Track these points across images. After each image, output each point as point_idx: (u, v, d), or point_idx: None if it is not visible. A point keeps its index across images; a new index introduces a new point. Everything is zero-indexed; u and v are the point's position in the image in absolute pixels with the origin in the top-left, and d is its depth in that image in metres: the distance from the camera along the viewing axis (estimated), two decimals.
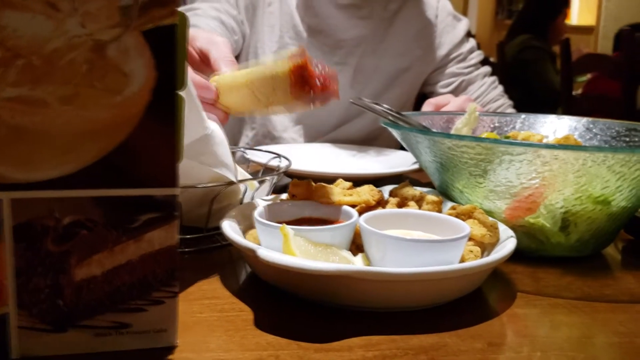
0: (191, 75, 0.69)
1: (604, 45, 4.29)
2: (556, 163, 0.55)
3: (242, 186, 0.66)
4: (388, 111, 0.67)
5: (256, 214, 0.54)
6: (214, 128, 0.58)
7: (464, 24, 1.31)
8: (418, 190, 0.63)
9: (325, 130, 1.26)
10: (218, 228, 0.63)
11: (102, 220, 0.40)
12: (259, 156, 0.83)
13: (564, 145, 0.62)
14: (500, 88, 1.33)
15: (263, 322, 0.47)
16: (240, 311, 0.49)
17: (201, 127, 0.56)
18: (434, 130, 0.77)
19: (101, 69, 0.39)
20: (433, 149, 0.63)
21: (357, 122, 1.28)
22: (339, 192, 0.58)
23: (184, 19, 0.41)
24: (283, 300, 0.51)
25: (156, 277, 0.42)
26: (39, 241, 0.39)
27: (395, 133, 0.68)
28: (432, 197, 0.60)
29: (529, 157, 0.56)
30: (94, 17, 0.38)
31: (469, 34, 1.32)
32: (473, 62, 1.29)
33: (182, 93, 0.41)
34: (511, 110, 1.32)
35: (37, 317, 0.40)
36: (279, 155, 0.77)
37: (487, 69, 1.33)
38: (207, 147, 0.57)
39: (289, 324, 0.47)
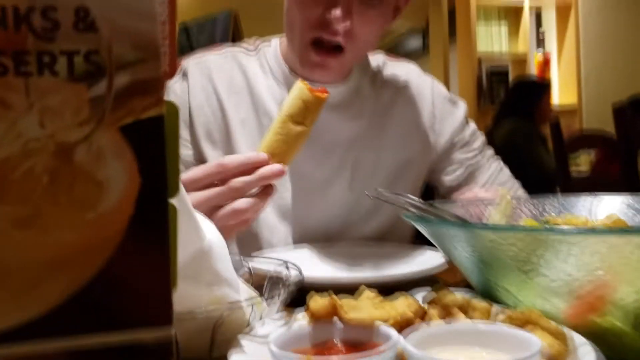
0: (235, 158, 0.76)
1: (590, 123, 4.33)
2: (627, 248, 0.46)
3: (247, 307, 0.56)
4: (413, 202, 0.59)
5: (272, 343, 0.44)
6: (212, 237, 0.48)
7: (462, 108, 1.25)
8: (459, 294, 0.53)
9: (325, 237, 1.15)
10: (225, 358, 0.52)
11: None
12: (260, 263, 0.73)
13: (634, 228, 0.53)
14: (506, 170, 1.26)
15: None
16: None
17: (197, 237, 0.47)
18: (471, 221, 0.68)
19: (67, 178, 0.30)
20: (472, 242, 0.54)
21: (361, 226, 1.18)
22: (368, 305, 0.48)
23: (173, 108, 0.32)
24: None
25: None
26: None
27: (421, 228, 0.59)
28: (479, 303, 0.50)
29: (591, 244, 0.47)
30: (56, 113, 0.29)
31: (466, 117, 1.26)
32: (476, 145, 1.22)
33: (174, 201, 0.32)
34: (522, 192, 1.25)
35: None
36: (285, 262, 0.67)
37: (490, 151, 1.26)
38: (205, 262, 0.47)
39: None
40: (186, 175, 0.76)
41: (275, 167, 0.76)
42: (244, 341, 0.50)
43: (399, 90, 1.20)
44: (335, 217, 1.16)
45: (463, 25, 4.34)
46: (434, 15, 4.34)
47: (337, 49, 1.02)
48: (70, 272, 0.30)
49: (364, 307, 0.48)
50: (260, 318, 0.57)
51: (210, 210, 0.75)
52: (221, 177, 0.75)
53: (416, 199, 0.60)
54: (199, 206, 0.73)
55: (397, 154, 1.18)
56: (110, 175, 0.30)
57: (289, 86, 1.11)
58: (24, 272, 0.29)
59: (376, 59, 1.22)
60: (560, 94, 4.53)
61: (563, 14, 4.50)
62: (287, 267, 0.67)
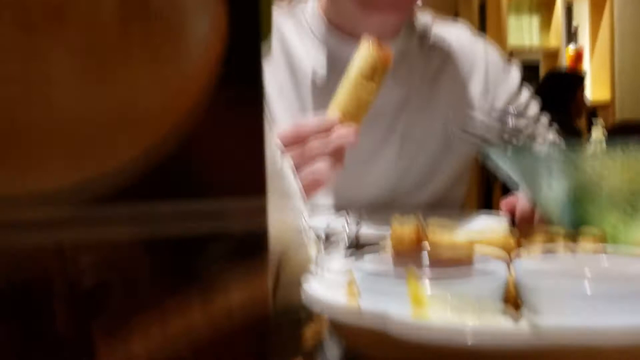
0: (310, 121, 0.77)
1: (623, 118, 4.21)
2: None
3: (313, 248, 0.50)
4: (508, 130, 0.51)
5: (357, 267, 0.38)
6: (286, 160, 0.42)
7: (516, 73, 1.17)
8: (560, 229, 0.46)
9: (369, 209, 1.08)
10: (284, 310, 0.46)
11: (146, 275, 0.24)
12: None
13: None
14: (562, 143, 1.18)
15: None
16: None
17: (274, 154, 0.40)
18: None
19: (141, 24, 0.24)
20: (574, 174, 0.47)
21: (408, 199, 1.11)
22: (463, 234, 0.41)
23: None
24: None
25: None
26: (38, 319, 0.23)
27: (508, 162, 0.52)
28: (591, 231, 0.42)
29: None
30: None
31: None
32: (532, 113, 1.14)
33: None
34: None
35: None
36: (345, 210, 0.61)
37: (546, 119, 1.17)
38: (278, 182, 0.41)
39: None
40: None
41: (349, 128, 0.75)
42: (314, 277, 0.44)
43: (450, 54, 1.13)
44: (380, 191, 1.09)
45: (494, 18, 4.25)
46: (463, 8, 4.26)
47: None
48: (140, 135, 0.24)
49: (459, 244, 0.41)
50: (328, 255, 0.51)
51: None
52: (296, 141, 0.73)
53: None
54: None
55: (449, 122, 1.11)
56: (193, 24, 0.24)
57: (329, 45, 1.05)
58: (87, 129, 0.23)
59: (423, 19, 1.15)
60: (593, 89, 4.41)
61: (597, 7, 4.38)
62: (346, 219, 0.61)
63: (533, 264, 0.38)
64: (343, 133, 0.75)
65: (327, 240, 0.63)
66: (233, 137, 0.24)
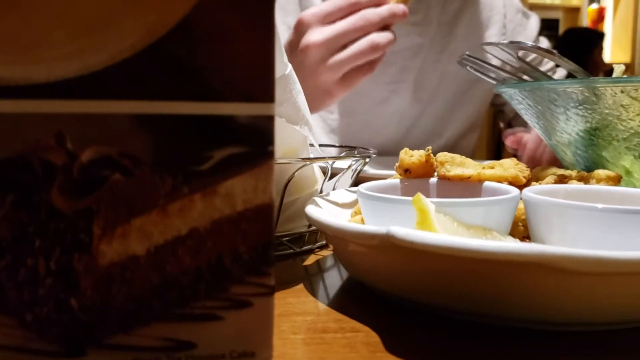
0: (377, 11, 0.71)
1: None
2: None
3: (318, 170, 0.49)
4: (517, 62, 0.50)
5: (362, 189, 0.37)
6: (290, 68, 0.41)
7: (535, 20, 1.14)
8: (572, 171, 0.45)
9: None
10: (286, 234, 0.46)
11: (148, 157, 0.23)
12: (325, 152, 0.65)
13: None
14: None
15: (397, 346, 0.29)
16: (355, 331, 0.31)
17: (281, 62, 0.39)
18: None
19: None
20: (590, 110, 0.45)
21: (420, 148, 1.09)
22: (474, 164, 0.40)
23: None
24: (409, 316, 0.33)
25: (238, 260, 0.24)
26: (38, 192, 0.22)
27: (524, 96, 0.50)
28: (604, 172, 0.41)
29: None
30: None
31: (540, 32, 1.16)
32: (550, 65, 1.12)
33: None
34: None
35: (35, 329, 0.23)
36: (353, 148, 0.60)
37: (563, 71, 1.15)
38: (286, 92, 0.39)
39: (434, 349, 0.29)
40: (317, 9, 0.71)
41: (400, 5, 0.73)
42: (319, 200, 0.43)
43: (468, 0, 1.09)
44: (392, 136, 1.08)
45: None
46: None
47: None
48: (146, 16, 0.22)
49: (472, 166, 0.40)
50: (334, 188, 0.50)
51: (342, 47, 0.68)
52: (351, 10, 0.71)
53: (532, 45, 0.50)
54: (331, 41, 0.68)
55: (463, 71, 1.08)
56: None
57: None
58: (88, 8, 0.22)
59: None
60: (613, 50, 4.32)
61: None
62: (355, 151, 0.60)
63: (543, 188, 0.37)
64: (395, 6, 0.73)
65: (333, 174, 0.62)
66: (240, 30, 0.23)
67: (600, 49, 3.45)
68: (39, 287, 0.23)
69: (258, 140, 0.24)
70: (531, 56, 0.55)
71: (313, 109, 0.74)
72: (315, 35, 0.69)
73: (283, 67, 0.39)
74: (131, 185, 0.23)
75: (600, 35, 3.52)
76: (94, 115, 0.22)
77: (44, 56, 0.22)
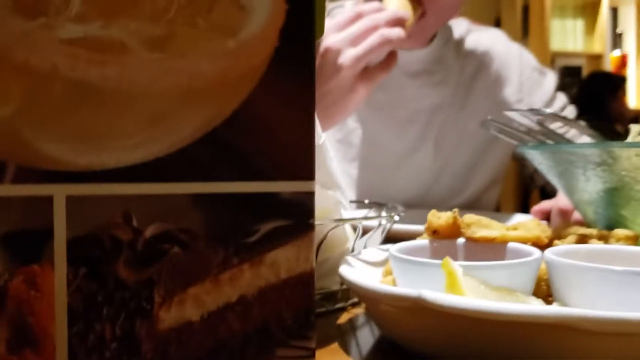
0: (371, 3, 0.77)
1: None
2: None
3: (349, 229, 0.51)
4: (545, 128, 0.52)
5: (394, 251, 0.39)
6: (323, 138, 0.44)
7: (551, 78, 1.17)
8: (594, 230, 0.47)
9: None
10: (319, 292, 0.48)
11: (202, 232, 0.26)
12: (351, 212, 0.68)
13: None
14: None
15: None
16: None
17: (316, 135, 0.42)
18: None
19: None
20: (608, 172, 0.47)
21: (441, 204, 1.11)
22: (499, 226, 0.43)
23: None
24: None
25: (283, 324, 0.27)
26: (107, 265, 0.25)
27: (546, 157, 0.52)
28: (623, 232, 0.43)
29: None
30: None
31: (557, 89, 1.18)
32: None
33: None
34: None
35: None
36: (382, 205, 0.62)
37: (582, 124, 1.17)
38: (320, 160, 0.42)
39: None
40: (329, 24, 0.76)
41: (404, 12, 0.78)
42: (351, 260, 0.45)
43: (485, 60, 1.13)
44: (414, 192, 1.10)
45: (537, 21, 4.19)
46: (506, 10, 4.20)
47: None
48: (205, 108, 0.26)
49: (497, 228, 0.42)
50: (365, 246, 0.52)
51: (351, 44, 0.74)
52: (356, 18, 0.75)
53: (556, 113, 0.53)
54: (346, 40, 0.73)
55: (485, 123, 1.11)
56: (253, 0, 0.26)
57: None
58: (152, 102, 0.25)
59: (459, 25, 1.15)
60: (638, 96, 4.31)
61: None
62: (382, 209, 0.62)
63: (564, 249, 0.39)
64: (397, 12, 0.77)
65: (363, 233, 0.64)
66: (284, 118, 0.26)
67: (624, 93, 3.46)
68: (105, 351, 0.25)
69: (300, 214, 0.26)
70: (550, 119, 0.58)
71: (341, 108, 0.77)
72: (332, 39, 0.74)
73: (317, 138, 0.42)
74: (188, 258, 0.26)
75: (623, 79, 3.53)
76: (156, 196, 0.25)
77: (114, 145, 0.25)
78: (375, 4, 0.78)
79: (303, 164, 0.26)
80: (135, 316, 0.25)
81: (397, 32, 0.75)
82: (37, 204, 0.24)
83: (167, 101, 0.25)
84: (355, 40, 0.74)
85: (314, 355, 0.27)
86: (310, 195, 0.26)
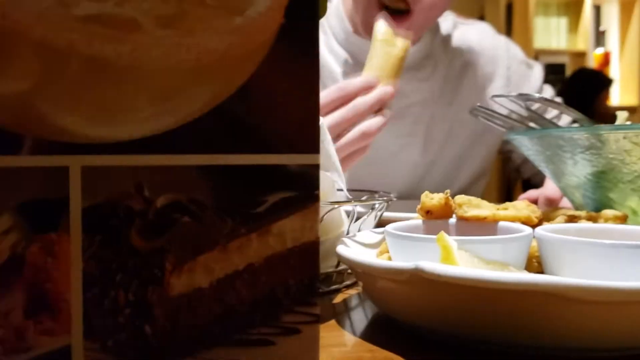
0: (354, 80, 0.78)
1: None
2: None
3: (344, 213, 0.53)
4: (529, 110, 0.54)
5: (390, 229, 0.40)
6: (323, 122, 0.45)
7: (538, 70, 1.19)
8: (582, 212, 0.48)
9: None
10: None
11: (211, 202, 0.27)
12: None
13: None
14: None
15: None
16: (385, 358, 0.35)
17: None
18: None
19: None
20: (596, 155, 0.49)
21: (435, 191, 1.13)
22: (489, 206, 0.44)
23: None
24: (437, 346, 0.36)
25: (288, 292, 0.28)
26: (120, 233, 0.26)
27: (534, 142, 0.54)
28: (612, 212, 0.45)
29: None
30: None
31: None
32: (555, 112, 1.16)
33: None
34: None
35: (114, 352, 0.26)
36: (375, 192, 0.64)
37: (570, 118, 1.19)
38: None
39: None
40: None
41: (387, 87, 0.78)
42: (347, 240, 0.47)
43: (473, 55, 1.15)
44: (405, 186, 1.12)
45: (520, 19, 4.23)
46: (490, 8, 4.25)
47: (403, 13, 0.94)
48: (213, 83, 0.27)
49: (487, 207, 0.44)
50: (359, 230, 0.53)
51: (336, 137, 0.74)
52: (342, 101, 0.76)
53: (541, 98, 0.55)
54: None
55: (472, 123, 1.13)
56: None
57: (350, 47, 1.06)
58: (165, 76, 0.26)
59: (446, 20, 1.16)
60: (621, 94, 4.37)
61: (626, 10, 4.34)
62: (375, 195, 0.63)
63: (555, 227, 0.40)
64: (382, 90, 0.78)
65: (358, 217, 0.66)
66: (290, 93, 0.27)
67: (608, 92, 3.50)
68: (119, 316, 0.26)
69: (306, 186, 0.27)
70: (537, 105, 0.59)
71: None
72: None
73: None
74: (197, 227, 0.27)
75: (609, 80, 3.57)
76: (167, 167, 0.26)
77: (127, 119, 0.26)
78: (360, 82, 0.78)
79: (308, 137, 0.27)
80: (147, 283, 0.26)
81: (378, 122, 0.77)
82: (54, 174, 0.25)
83: (178, 76, 0.26)
84: (334, 130, 0.75)
85: (318, 321, 0.28)
86: (315, 167, 0.28)
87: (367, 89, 0.77)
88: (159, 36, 0.26)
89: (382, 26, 0.82)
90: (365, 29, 0.98)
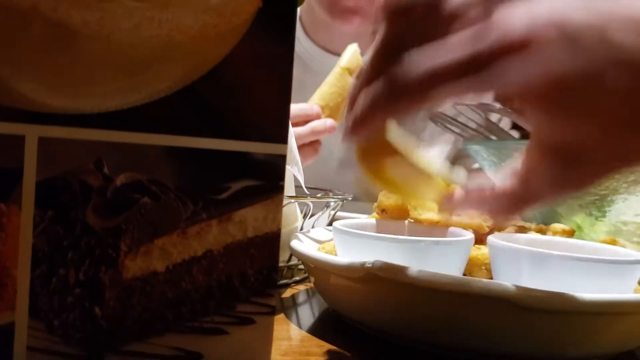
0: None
1: None
2: None
3: (299, 209, 0.52)
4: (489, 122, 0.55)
5: (338, 225, 0.40)
6: None
7: None
8: (532, 223, 0.49)
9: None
10: None
11: (173, 185, 0.26)
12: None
13: None
14: None
15: None
16: (336, 354, 0.34)
17: None
18: None
19: None
20: None
21: None
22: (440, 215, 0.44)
23: None
24: (386, 346, 0.36)
25: (246, 282, 0.27)
26: (75, 209, 0.25)
27: (487, 152, 0.55)
28: (560, 226, 0.46)
29: None
30: None
31: None
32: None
33: None
34: None
35: (60, 334, 0.25)
36: (327, 191, 0.63)
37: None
38: None
39: None
40: None
41: (328, 121, 0.73)
42: (301, 235, 0.46)
43: None
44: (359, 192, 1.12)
45: None
46: None
47: None
48: (184, 61, 0.26)
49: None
50: (313, 226, 0.53)
51: None
52: None
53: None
54: None
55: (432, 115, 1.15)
56: None
57: (304, 56, 1.01)
58: (134, 50, 0.25)
59: None
60: None
61: None
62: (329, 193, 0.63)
63: (506, 236, 0.41)
64: (320, 124, 0.73)
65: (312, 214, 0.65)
66: (262, 80, 0.27)
67: None
68: (67, 296, 0.25)
69: (271, 176, 0.27)
70: (496, 116, 0.60)
71: None
72: None
73: None
74: (157, 209, 0.26)
75: None
76: (129, 145, 0.25)
77: (91, 91, 0.25)
78: (299, 110, 0.74)
79: (277, 126, 0.27)
80: (100, 263, 0.25)
81: (327, 124, 0.73)
82: (8, 142, 0.24)
83: (147, 51, 0.25)
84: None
85: (274, 312, 0.27)
86: (282, 158, 0.27)
87: (304, 118, 0.73)
88: (131, 7, 0.25)
89: (349, 52, 0.76)
90: (332, 14, 0.92)
